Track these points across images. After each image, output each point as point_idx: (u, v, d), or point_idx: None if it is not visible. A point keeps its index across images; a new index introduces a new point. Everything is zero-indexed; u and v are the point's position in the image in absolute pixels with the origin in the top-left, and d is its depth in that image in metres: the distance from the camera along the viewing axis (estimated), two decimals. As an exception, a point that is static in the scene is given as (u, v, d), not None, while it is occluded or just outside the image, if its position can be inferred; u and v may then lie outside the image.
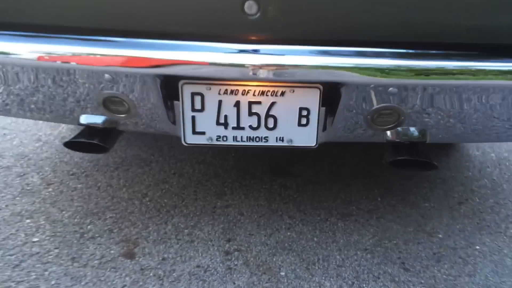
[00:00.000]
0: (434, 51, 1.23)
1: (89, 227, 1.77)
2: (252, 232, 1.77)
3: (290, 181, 2.14)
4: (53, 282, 1.49)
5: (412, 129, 1.39)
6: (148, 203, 1.94)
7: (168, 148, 2.43)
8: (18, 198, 1.93)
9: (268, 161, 2.32)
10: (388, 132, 1.39)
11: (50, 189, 2.02)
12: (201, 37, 1.23)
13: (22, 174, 2.14)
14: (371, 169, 2.29)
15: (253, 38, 1.22)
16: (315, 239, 1.75)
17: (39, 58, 1.24)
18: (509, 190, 2.18)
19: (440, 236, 1.81)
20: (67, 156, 2.32)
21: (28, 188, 2.01)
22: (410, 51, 1.22)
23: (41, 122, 2.73)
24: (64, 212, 1.86)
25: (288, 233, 1.77)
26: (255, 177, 2.17)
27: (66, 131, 2.60)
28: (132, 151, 2.38)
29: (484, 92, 1.27)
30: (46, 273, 1.53)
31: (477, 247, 1.75)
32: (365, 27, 1.20)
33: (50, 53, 1.24)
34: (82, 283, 1.49)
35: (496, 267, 1.64)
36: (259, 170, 2.23)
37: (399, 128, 1.38)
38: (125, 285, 1.49)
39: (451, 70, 1.22)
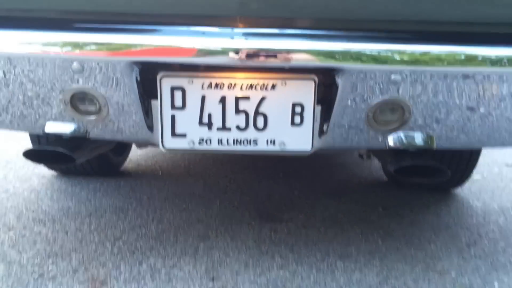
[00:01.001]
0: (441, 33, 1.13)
1: (50, 267, 1.52)
2: (240, 272, 1.55)
3: (280, 226, 1.94)
4: (-2, 321, 1.23)
5: (416, 133, 1.25)
6: (121, 245, 1.71)
7: (147, 198, 2.24)
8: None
9: (256, 208, 2.13)
10: (391, 137, 1.25)
11: (11, 233, 1.79)
12: (183, 21, 1.12)
13: (-19, 220, 1.91)
14: (368, 216, 2.11)
15: (241, 20, 1.11)
16: (312, 278, 1.52)
17: None
18: (519, 234, 2.00)
19: (453, 275, 1.59)
20: (35, 205, 2.10)
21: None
22: (412, 34, 1.13)
23: (11, 175, 2.53)
24: (23, 253, 1.62)
25: (281, 272, 1.55)
26: (242, 222, 1.96)
27: (38, 184, 2.40)
28: (108, 200, 2.18)
29: (495, 82, 1.15)
30: (-8, 312, 1.27)
31: (496, 284, 1.53)
32: (364, 7, 1.10)
33: (8, 41, 1.11)
34: (34, 322, 1.23)
35: (521, 304, 1.43)
36: (247, 216, 2.04)
37: (402, 133, 1.24)
38: (86, 324, 1.23)
39: (463, 56, 1.12)
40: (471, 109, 1.19)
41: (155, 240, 1.77)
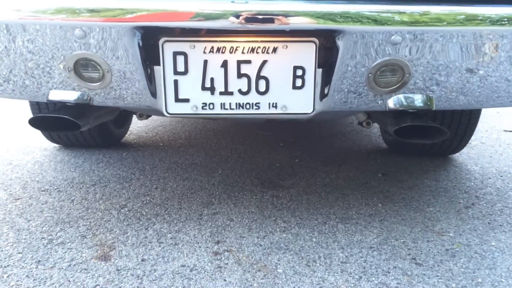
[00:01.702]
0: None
1: (58, 234, 1.56)
2: (243, 235, 1.58)
3: (282, 193, 1.97)
4: (12, 284, 1.27)
5: (416, 94, 1.26)
6: (127, 212, 1.75)
7: (150, 168, 2.26)
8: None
9: (258, 176, 2.16)
10: (391, 100, 1.26)
11: (18, 203, 1.82)
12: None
13: (-13, 191, 1.94)
14: (368, 181, 2.14)
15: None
16: (314, 239, 1.56)
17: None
18: (516, 196, 2.03)
19: (451, 235, 1.64)
20: (39, 176, 2.13)
21: (-6, 202, 1.81)
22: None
23: (13, 148, 2.55)
24: (31, 221, 1.65)
25: (284, 235, 1.59)
26: (245, 190, 2.00)
27: (41, 156, 2.43)
28: (111, 171, 2.21)
29: (494, 43, 1.17)
30: (5, 275, 1.31)
31: (493, 243, 1.58)
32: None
33: (11, 8, 1.12)
34: (47, 284, 1.27)
35: (517, 261, 1.47)
36: (249, 184, 2.07)
37: (401, 95, 1.26)
38: (97, 285, 1.27)
39: (460, 15, 1.12)
40: (470, 70, 1.20)
41: (160, 207, 1.80)
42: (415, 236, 1.61)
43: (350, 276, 1.35)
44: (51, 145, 2.59)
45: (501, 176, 2.30)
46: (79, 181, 2.06)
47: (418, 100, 1.27)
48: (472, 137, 2.37)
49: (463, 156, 2.60)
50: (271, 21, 1.10)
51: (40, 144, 2.63)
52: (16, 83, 1.26)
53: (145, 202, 1.85)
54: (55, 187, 1.99)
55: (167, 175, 2.18)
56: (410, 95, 1.26)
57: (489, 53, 1.18)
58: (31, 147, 2.60)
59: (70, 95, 1.27)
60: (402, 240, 1.58)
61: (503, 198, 2.01)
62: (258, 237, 1.57)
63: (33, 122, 1.32)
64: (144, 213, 1.74)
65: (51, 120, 1.30)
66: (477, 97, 1.26)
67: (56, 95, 1.28)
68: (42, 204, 1.80)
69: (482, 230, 1.68)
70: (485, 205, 1.92)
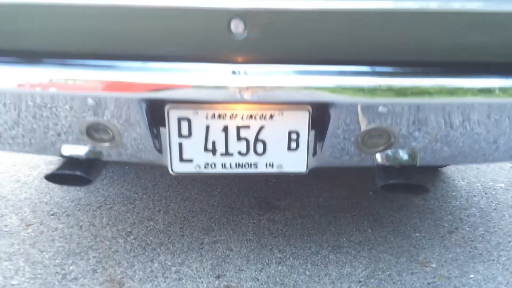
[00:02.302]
0: (421, 69, 1.23)
1: (71, 267, 1.68)
2: (242, 267, 1.71)
3: (278, 216, 2.09)
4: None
5: (402, 151, 1.37)
6: (133, 241, 1.87)
7: (152, 186, 2.38)
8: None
9: (255, 195, 2.28)
10: (378, 155, 1.37)
11: (30, 230, 1.93)
12: (187, 59, 1.21)
13: (0, 215, 2.05)
14: (359, 201, 2.26)
15: (240, 58, 1.21)
16: (307, 272, 1.69)
17: (18, 85, 1.21)
18: (497, 218, 2.16)
19: (433, 265, 1.77)
20: (47, 196, 2.24)
21: (6, 229, 1.93)
22: (399, 69, 1.22)
23: (19, 162, 2.66)
24: (44, 253, 1.77)
25: (279, 268, 1.72)
26: (243, 212, 2.12)
27: (47, 170, 2.53)
28: (115, 189, 2.32)
29: (471, 110, 1.27)
30: (25, 316, 1.44)
31: (471, 276, 1.71)
32: (352, 46, 1.20)
33: (29, 79, 1.20)
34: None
35: (492, 295, 1.61)
36: (246, 205, 2.19)
37: (389, 151, 1.37)
38: (109, 326, 1.40)
39: (440, 88, 1.22)
40: (450, 134, 1.31)
41: (163, 234, 1.92)
42: (400, 268, 1.74)
43: (339, 314, 1.48)
44: (55, 158, 2.69)
45: (485, 194, 2.43)
46: (86, 203, 2.18)
47: (403, 156, 1.38)
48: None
49: (452, 168, 2.72)
50: (269, 94, 1.19)
51: (44, 157, 2.73)
52: (30, 140, 1.35)
53: (149, 228, 1.97)
54: (63, 210, 2.11)
55: (169, 194, 2.29)
56: (396, 152, 1.36)
57: (465, 122, 1.28)
58: (36, 160, 2.71)
59: (81, 151, 1.38)
60: (388, 273, 1.71)
61: (485, 220, 2.14)
62: (255, 270, 1.69)
63: (50, 178, 1.42)
64: (149, 242, 1.86)
65: (66, 175, 1.41)
66: (457, 158, 1.37)
67: (69, 150, 1.38)
68: (53, 232, 1.92)
69: (463, 259, 1.81)
70: (468, 229, 2.05)
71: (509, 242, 1.95)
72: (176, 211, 2.12)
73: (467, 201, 2.34)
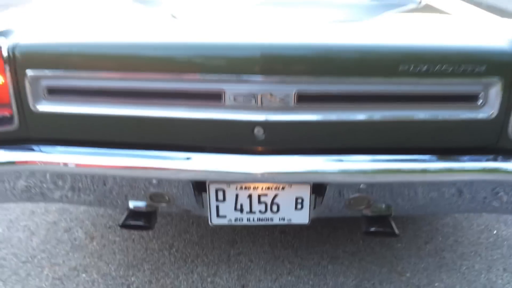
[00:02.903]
0: (398, 157, 1.71)
1: (132, 278, 2.24)
2: (261, 277, 2.26)
3: (288, 228, 2.62)
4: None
5: (380, 207, 1.87)
6: (176, 253, 2.41)
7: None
8: (70, 253, 2.40)
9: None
10: (363, 211, 1.88)
11: (94, 243, 2.49)
12: (225, 151, 1.70)
13: (68, 229, 2.60)
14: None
15: (260, 151, 1.70)
16: (310, 282, 2.24)
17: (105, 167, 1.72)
18: (467, 228, 2.67)
19: (408, 275, 2.30)
20: (101, 209, 2.78)
21: (76, 243, 2.49)
22: (382, 156, 1.70)
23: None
24: (110, 265, 2.33)
25: (289, 278, 2.26)
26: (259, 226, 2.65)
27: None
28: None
29: (420, 184, 1.76)
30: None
31: (436, 284, 2.24)
32: (346, 140, 1.68)
33: (116, 165, 1.71)
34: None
35: (449, 301, 2.14)
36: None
37: (371, 208, 1.87)
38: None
39: (405, 170, 1.71)
40: (417, 197, 1.80)
41: (198, 246, 2.47)
42: (381, 278, 2.27)
43: (333, 319, 2.04)
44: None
45: (461, 202, 2.92)
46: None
47: (382, 210, 1.87)
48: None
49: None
50: (281, 177, 1.69)
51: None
52: (105, 202, 1.88)
53: (186, 240, 2.51)
54: (116, 222, 2.65)
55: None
56: (376, 208, 1.86)
57: (427, 190, 1.77)
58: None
59: (143, 207, 1.90)
60: (372, 282, 2.25)
61: (457, 230, 2.65)
62: (271, 280, 2.24)
63: (124, 226, 1.94)
64: (188, 254, 2.41)
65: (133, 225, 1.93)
66: (424, 210, 1.87)
67: (134, 205, 1.90)
68: (113, 245, 2.47)
69: (431, 269, 2.34)
70: (440, 239, 2.57)
71: (472, 252, 2.47)
72: (206, 223, 2.65)
73: (445, 209, 2.84)
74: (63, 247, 2.45)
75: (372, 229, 1.90)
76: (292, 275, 2.27)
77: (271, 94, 1.61)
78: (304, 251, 2.44)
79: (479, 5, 2.28)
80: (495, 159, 1.69)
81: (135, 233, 2.56)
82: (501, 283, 2.24)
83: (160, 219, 2.68)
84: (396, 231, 1.91)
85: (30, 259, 2.36)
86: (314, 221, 1.85)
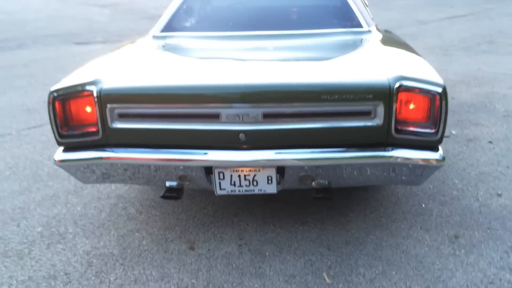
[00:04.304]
0: (326, 149, 2.85)
1: (168, 236, 3.42)
2: (253, 235, 3.41)
3: (275, 204, 3.76)
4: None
5: (322, 182, 3.00)
6: (197, 221, 3.59)
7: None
8: (127, 222, 3.60)
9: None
10: (313, 183, 3.01)
11: (143, 216, 3.69)
12: (223, 148, 2.86)
13: (124, 208, 3.81)
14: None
15: (243, 147, 2.85)
16: (286, 236, 3.37)
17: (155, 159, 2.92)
18: (404, 203, 3.76)
19: (353, 231, 3.40)
20: (146, 194, 3.99)
21: (131, 216, 3.69)
22: (316, 149, 2.83)
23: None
24: (153, 228, 3.52)
25: (273, 234, 3.41)
26: (253, 199, 3.80)
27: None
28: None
29: (355, 166, 2.88)
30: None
31: (370, 237, 3.34)
32: (294, 140, 2.83)
33: (157, 158, 2.91)
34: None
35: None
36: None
37: (314, 182, 3.00)
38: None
39: (329, 158, 2.85)
40: (342, 174, 2.92)
41: (213, 217, 3.63)
42: (334, 233, 3.39)
43: (297, 256, 3.17)
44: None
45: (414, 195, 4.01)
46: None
47: (324, 184, 3.00)
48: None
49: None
50: (258, 162, 2.85)
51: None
52: (152, 182, 3.07)
53: (204, 214, 3.68)
54: (157, 203, 3.85)
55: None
56: (319, 182, 2.99)
57: (351, 170, 2.89)
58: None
59: (174, 184, 3.09)
60: (327, 236, 3.36)
61: (396, 204, 3.74)
62: (260, 236, 3.38)
63: (164, 197, 3.12)
64: (205, 221, 3.57)
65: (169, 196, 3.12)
66: (349, 183, 3.00)
67: (169, 184, 3.09)
68: (155, 217, 3.66)
69: (370, 228, 3.43)
70: (382, 210, 3.67)
71: (402, 217, 3.56)
72: (218, 203, 3.82)
73: (406, 197, 3.94)
74: (122, 218, 3.65)
75: (318, 195, 3.02)
76: (274, 233, 3.42)
77: (248, 114, 2.78)
78: (285, 218, 3.58)
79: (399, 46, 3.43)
80: (383, 149, 2.81)
81: (170, 209, 3.75)
82: (415, 236, 3.33)
83: (187, 200, 3.86)
84: (331, 197, 3.03)
85: (101, 226, 3.57)
86: (286, 193, 2.96)
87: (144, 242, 3.35)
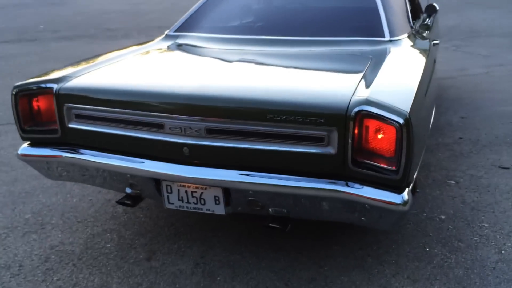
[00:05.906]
0: (271, 175, 2.52)
1: (136, 241, 3.32)
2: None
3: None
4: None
5: (279, 210, 2.66)
6: (172, 229, 3.44)
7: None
8: (108, 220, 3.59)
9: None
10: (269, 209, 2.68)
11: (126, 216, 3.64)
12: (167, 160, 2.67)
13: (114, 205, 3.80)
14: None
15: (192, 162, 2.63)
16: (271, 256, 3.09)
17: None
18: (401, 242, 3.24)
19: (326, 268, 3.00)
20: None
21: (115, 214, 3.66)
22: (258, 174, 2.52)
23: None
24: (127, 231, 3.45)
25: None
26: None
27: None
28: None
29: (307, 198, 2.51)
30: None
31: (342, 278, 2.92)
32: (237, 160, 2.54)
33: (104, 162, 2.81)
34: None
35: None
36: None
37: (271, 209, 2.68)
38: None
39: (278, 186, 2.51)
40: (290, 205, 2.56)
41: (189, 226, 3.46)
42: (303, 267, 3.02)
43: None
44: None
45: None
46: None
47: (282, 212, 2.66)
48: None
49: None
50: (202, 180, 2.61)
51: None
52: (111, 186, 2.98)
53: (183, 222, 3.52)
54: (141, 209, 3.78)
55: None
56: (276, 210, 2.66)
57: (301, 201, 2.52)
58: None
59: (131, 192, 2.97)
60: (299, 268, 3.01)
61: (391, 242, 3.23)
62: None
63: (119, 202, 3.03)
64: (180, 230, 3.42)
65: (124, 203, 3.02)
66: (314, 216, 2.62)
67: (128, 190, 2.97)
68: (136, 219, 3.59)
69: (349, 267, 3.00)
70: (375, 248, 3.19)
71: (393, 260, 3.06)
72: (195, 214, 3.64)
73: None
74: (105, 216, 3.64)
75: (272, 224, 2.69)
76: (240, 256, 3.14)
77: (190, 127, 2.55)
78: (262, 241, 3.28)
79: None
80: (333, 182, 2.40)
81: (154, 214, 3.65)
82: (395, 286, 2.83)
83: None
84: (286, 228, 2.68)
85: (82, 221, 3.60)
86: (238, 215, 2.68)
87: (108, 245, 3.29)
